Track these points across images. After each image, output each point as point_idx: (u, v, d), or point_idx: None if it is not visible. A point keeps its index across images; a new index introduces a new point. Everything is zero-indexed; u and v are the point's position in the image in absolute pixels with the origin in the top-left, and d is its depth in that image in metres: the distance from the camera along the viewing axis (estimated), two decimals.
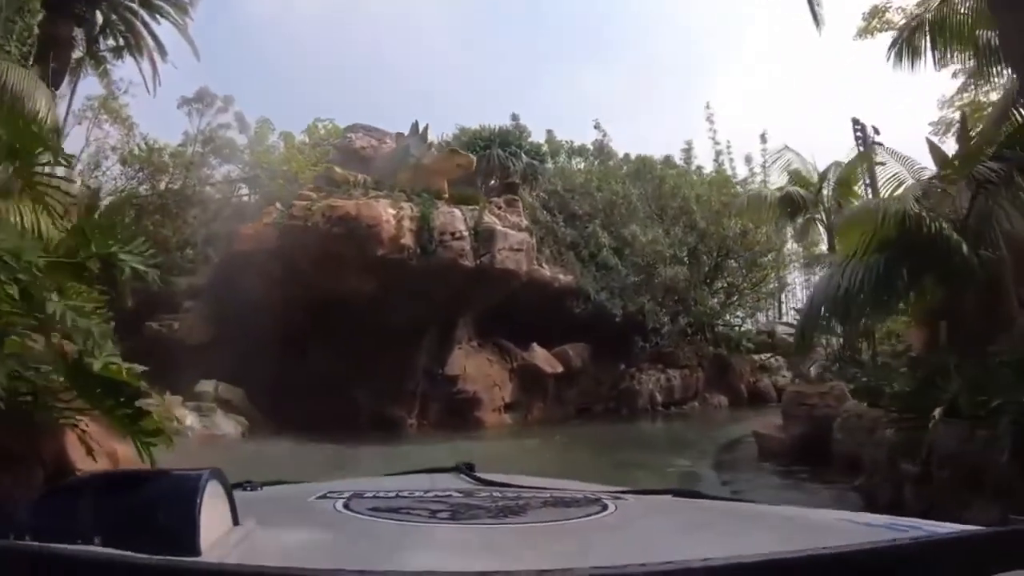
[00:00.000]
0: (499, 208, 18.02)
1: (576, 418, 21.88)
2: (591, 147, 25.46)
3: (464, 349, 19.41)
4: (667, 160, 24.94)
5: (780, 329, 26.43)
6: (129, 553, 0.60)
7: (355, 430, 14.67)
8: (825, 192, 17.88)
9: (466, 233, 16.66)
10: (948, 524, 0.99)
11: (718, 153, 27.35)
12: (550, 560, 0.77)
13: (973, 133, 12.85)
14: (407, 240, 15.90)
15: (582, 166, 25.44)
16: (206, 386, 15.98)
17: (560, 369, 21.85)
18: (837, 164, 17.56)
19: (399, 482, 1.42)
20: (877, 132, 20.45)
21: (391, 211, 15.92)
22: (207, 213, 20.26)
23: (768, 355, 26.46)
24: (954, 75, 17.96)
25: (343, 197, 16.84)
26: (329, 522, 0.97)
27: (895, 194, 10.96)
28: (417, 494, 1.16)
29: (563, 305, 22.24)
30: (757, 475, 11.00)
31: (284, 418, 15.35)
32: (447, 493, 1.16)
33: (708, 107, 26.60)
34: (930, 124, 19.93)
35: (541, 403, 21.57)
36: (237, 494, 0.84)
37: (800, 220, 18.79)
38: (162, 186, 20.66)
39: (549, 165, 25.40)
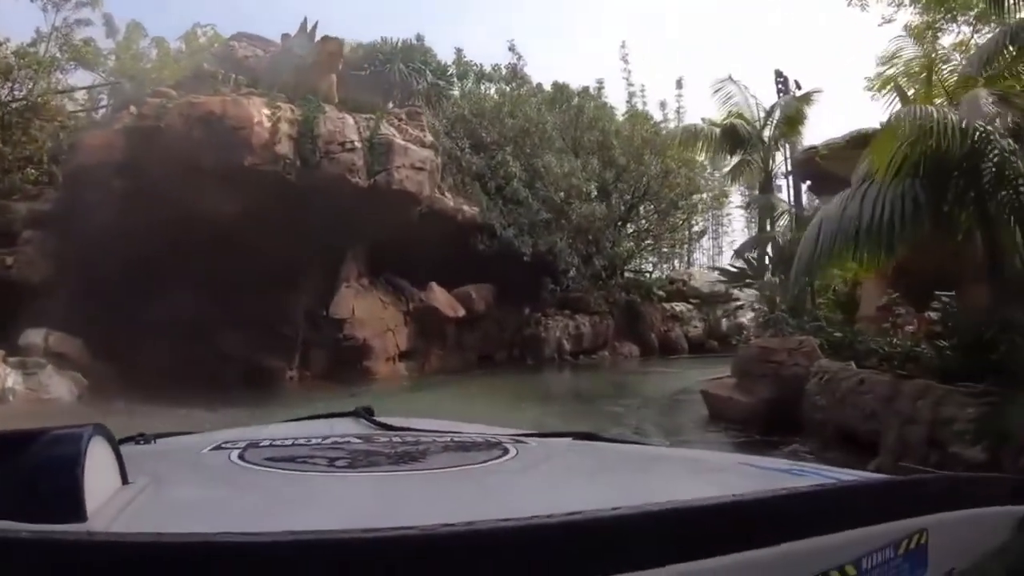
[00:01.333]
0: (399, 120, 14.89)
1: (478, 367, 19.57)
2: (504, 69, 22.44)
3: (353, 288, 16.40)
4: (585, 91, 22.40)
5: (698, 275, 25.05)
6: (3, 523, 0.53)
7: (223, 386, 12.39)
8: (767, 132, 16.18)
9: (358, 144, 13.56)
10: (846, 470, 0.99)
11: (631, 95, 25.26)
12: (452, 509, 0.69)
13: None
14: (284, 148, 12.62)
15: (493, 92, 22.47)
16: (34, 337, 12.46)
17: (462, 313, 19.33)
18: (783, 101, 15.77)
19: (296, 428, 1.35)
20: (799, 87, 19.80)
21: (265, 112, 12.56)
22: (58, 125, 16.07)
23: (680, 303, 25.11)
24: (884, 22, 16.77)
25: (207, 94, 13.21)
26: (223, 475, 0.92)
27: None
28: (315, 441, 1.09)
29: (466, 241, 19.58)
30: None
31: (133, 375, 12.38)
32: (345, 439, 1.10)
33: (624, 46, 24.15)
34: (866, 79, 18.45)
35: (440, 351, 19.05)
36: (126, 449, 0.79)
37: (738, 157, 16.99)
38: (3, 93, 16.08)
39: (456, 92, 22.39)
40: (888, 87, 18.14)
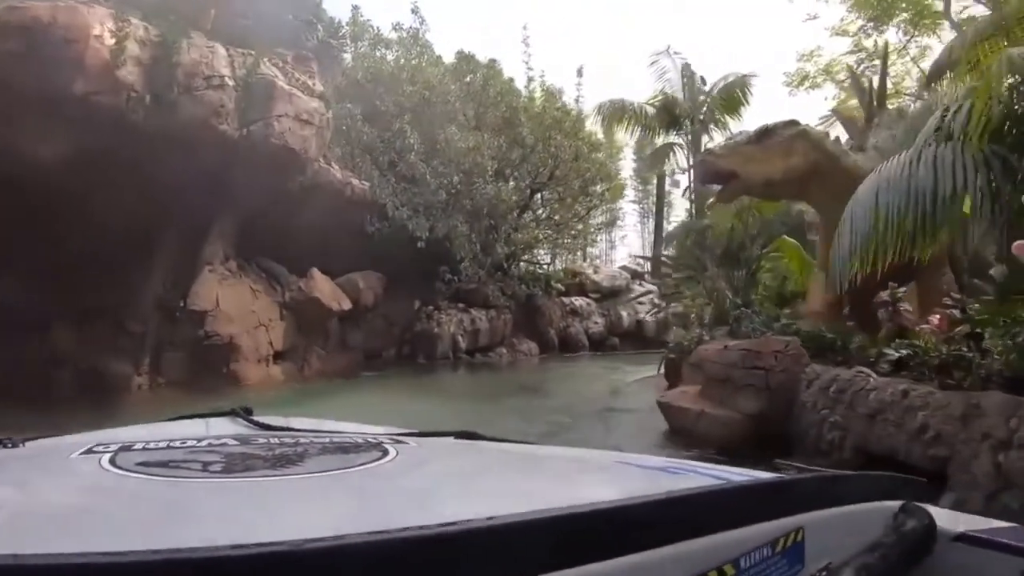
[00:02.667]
0: (284, 62, 11.97)
1: (365, 368, 16.89)
2: (406, 33, 19.65)
3: (218, 273, 13.27)
4: (492, 64, 20.18)
5: (606, 271, 23.60)
6: None
7: (51, 396, 10.19)
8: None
9: (230, 82, 10.71)
10: (723, 467, 1.00)
11: (530, 79, 23.39)
12: (328, 517, 0.69)
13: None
14: (131, 76, 9.57)
15: (391, 58, 19.70)
16: None
17: (348, 305, 16.61)
18: (725, 78, 14.45)
19: (172, 429, 1.30)
20: (704, 82, 19.79)
21: (108, 25, 9.30)
22: None
23: (580, 298, 23.55)
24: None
25: None
26: (92, 483, 0.87)
27: None
28: (190, 443, 1.04)
29: (353, 221, 16.90)
30: None
31: None
32: (222, 441, 1.06)
33: (525, 28, 22.08)
34: (784, 74, 17.81)
35: (322, 350, 16.23)
36: None
37: (661, 139, 15.55)
38: None
39: (348, 55, 19.49)
40: (806, 83, 17.89)
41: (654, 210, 27.16)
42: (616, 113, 15.49)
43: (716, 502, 0.69)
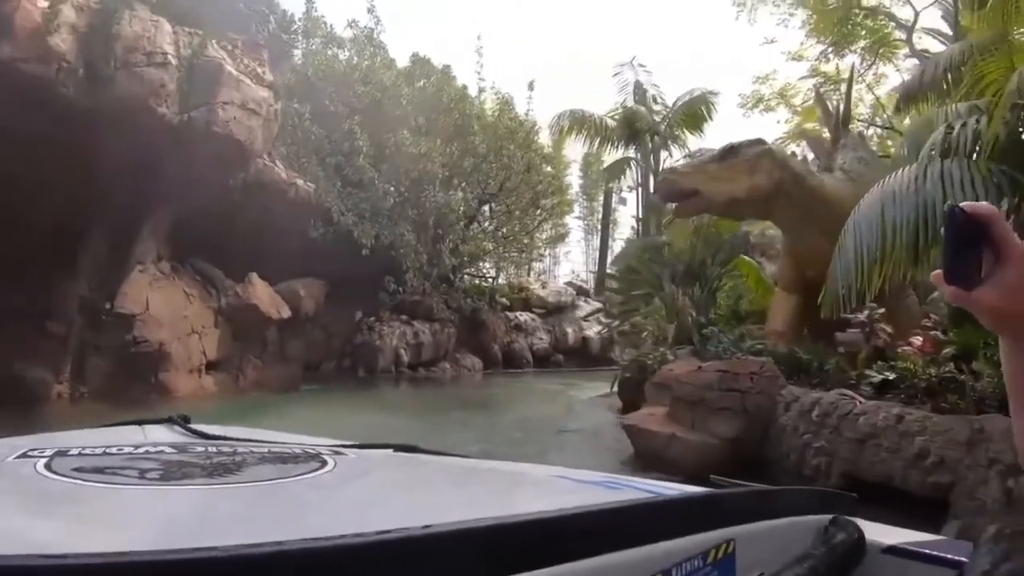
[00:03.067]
0: (234, 46, 11.12)
1: (304, 381, 15.92)
2: (360, 31, 18.85)
3: (149, 273, 12.21)
4: (447, 69, 19.65)
5: (552, 286, 23.23)
6: None
7: None
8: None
9: (173, 61, 9.74)
10: (659, 483, 1.03)
11: (481, 90, 23.01)
12: (267, 526, 0.68)
13: None
14: (64, 45, 8.69)
15: (343, 58, 18.89)
16: None
17: (287, 314, 15.66)
18: (690, 93, 14.34)
19: (108, 435, 1.24)
20: (655, 100, 19.74)
21: None
22: None
23: (524, 313, 23.11)
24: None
25: None
26: (27, 488, 0.84)
27: None
28: (127, 450, 1.02)
29: (296, 225, 16.03)
30: None
31: None
32: (159, 449, 1.04)
33: (479, 39, 21.60)
34: (740, 95, 17.91)
35: (258, 361, 15.16)
36: None
37: (619, 153, 15.35)
38: None
39: (299, 52, 18.61)
40: (760, 105, 18.14)
41: (599, 227, 27.18)
42: (576, 124, 15.17)
43: (649, 514, 0.71)
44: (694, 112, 14.47)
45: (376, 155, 17.07)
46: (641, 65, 14.80)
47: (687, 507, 0.77)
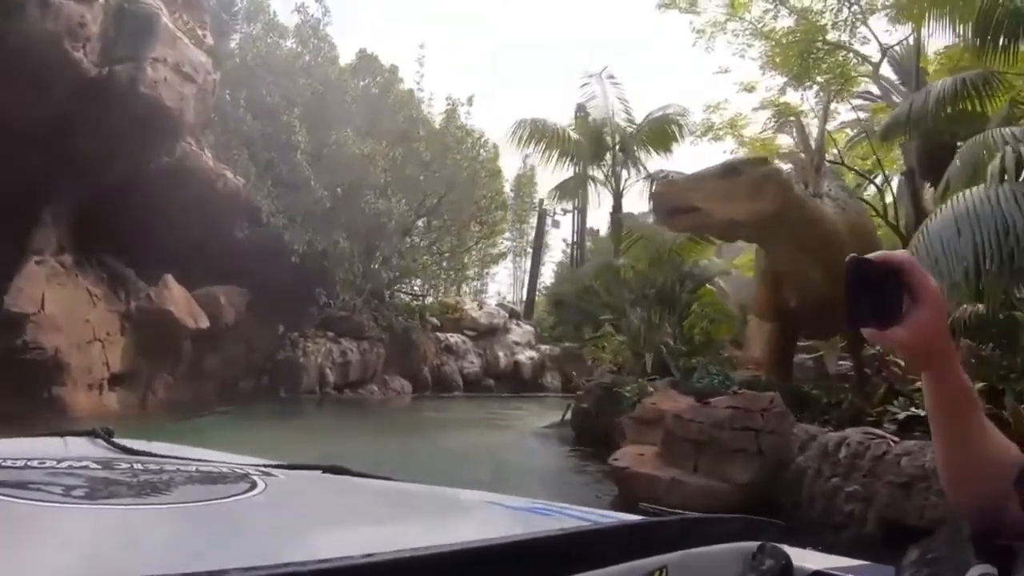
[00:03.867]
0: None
1: (220, 401, 14.09)
2: (306, 20, 17.25)
3: (47, 267, 10.31)
4: (394, 69, 18.37)
5: (485, 308, 22.18)
6: None
7: None
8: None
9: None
10: (591, 509, 1.08)
11: (419, 101, 21.88)
12: (198, 551, 0.66)
13: None
14: None
15: (286, 47, 17.30)
16: None
17: (205, 324, 13.91)
18: (663, 109, 13.81)
19: (28, 447, 1.17)
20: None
21: None
22: None
23: (455, 335, 21.92)
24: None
25: None
26: None
27: None
28: (49, 464, 0.97)
29: (221, 223, 14.36)
30: None
31: None
32: (83, 464, 0.99)
33: (422, 47, 20.46)
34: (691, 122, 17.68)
35: (170, 376, 13.26)
36: None
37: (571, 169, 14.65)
38: None
39: (238, 36, 16.95)
40: (710, 133, 18.00)
41: (531, 248, 26.48)
42: (536, 133, 14.34)
43: (584, 542, 0.72)
44: (663, 131, 13.97)
45: (314, 153, 15.61)
46: (610, 77, 14.18)
47: (622, 535, 0.79)
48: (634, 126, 14.05)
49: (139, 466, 1.02)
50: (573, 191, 16.01)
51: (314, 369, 17.22)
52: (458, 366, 21.70)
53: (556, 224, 26.02)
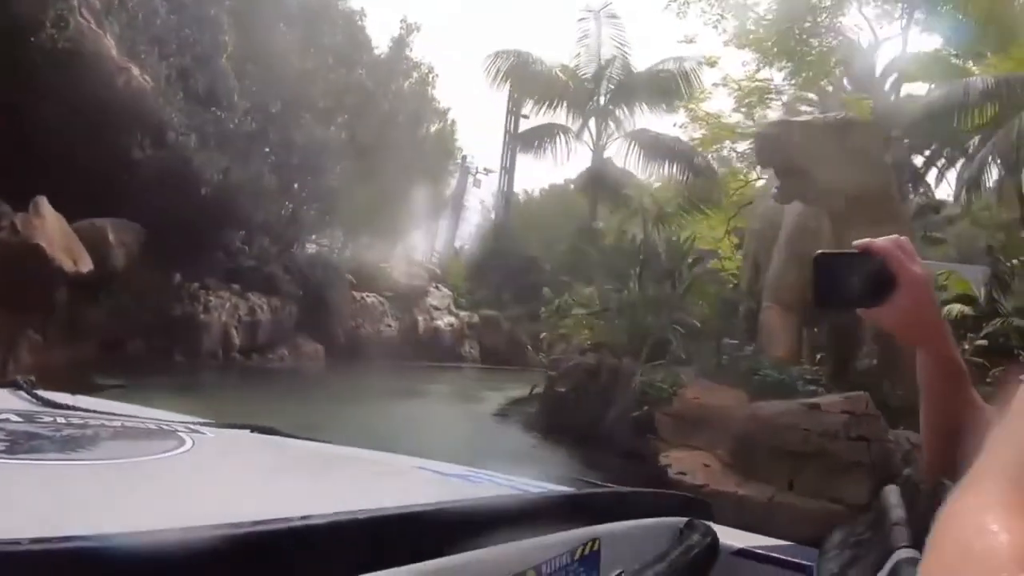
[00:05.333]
0: None
1: (99, 368, 10.78)
2: None
3: None
4: None
5: (406, 266, 19.68)
6: None
7: None
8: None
9: None
10: (520, 479, 1.02)
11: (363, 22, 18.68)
12: (127, 509, 0.64)
13: None
14: None
15: None
16: None
17: (87, 267, 10.59)
18: (668, 62, 12.07)
19: None
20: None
21: None
22: None
23: (371, 295, 19.25)
24: None
25: None
26: None
27: None
28: None
29: (116, 138, 10.96)
30: None
31: None
32: (4, 416, 0.94)
33: None
34: None
35: (38, 335, 9.92)
36: None
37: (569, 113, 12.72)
38: None
39: None
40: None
41: (451, 205, 24.05)
42: (518, 68, 12.14)
43: (520, 510, 0.73)
44: (666, 85, 12.25)
45: (243, 61, 12.39)
46: (612, 16, 12.17)
47: (555, 505, 0.81)
48: (631, 75, 12.20)
49: (62, 420, 0.96)
50: (539, 140, 13.91)
51: (217, 329, 14.14)
52: (375, 329, 19.12)
53: (477, 184, 23.88)
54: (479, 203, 24.82)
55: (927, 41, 12.82)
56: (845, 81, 13.84)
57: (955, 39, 12.44)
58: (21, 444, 0.82)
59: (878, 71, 13.14)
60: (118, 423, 1.01)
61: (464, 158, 23.01)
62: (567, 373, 10.84)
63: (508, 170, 23.24)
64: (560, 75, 12.59)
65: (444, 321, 21.36)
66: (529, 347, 23.30)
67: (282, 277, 15.64)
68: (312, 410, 10.45)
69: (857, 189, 7.63)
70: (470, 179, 23.73)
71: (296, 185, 14.01)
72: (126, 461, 0.80)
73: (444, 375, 18.98)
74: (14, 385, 1.22)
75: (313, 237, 17.34)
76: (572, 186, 28.23)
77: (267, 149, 12.86)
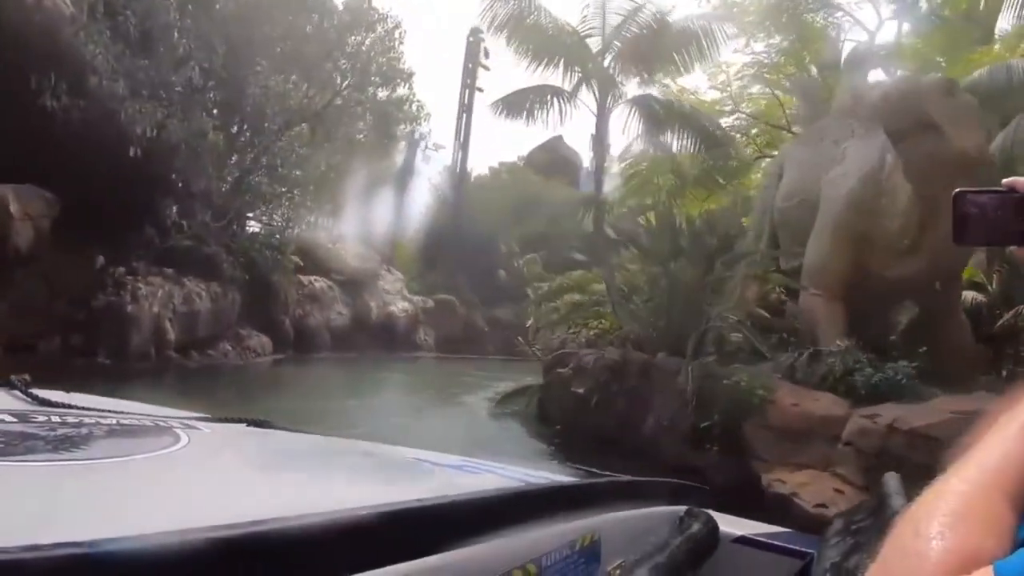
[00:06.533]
0: None
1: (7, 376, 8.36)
2: None
3: None
4: None
5: (355, 247, 17.61)
6: None
7: None
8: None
9: None
10: (516, 468, 1.01)
11: None
12: (122, 510, 0.63)
13: None
14: None
15: None
16: None
17: None
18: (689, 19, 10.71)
19: None
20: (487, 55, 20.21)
21: None
22: None
23: (320, 279, 17.05)
24: None
25: None
26: None
27: None
28: None
29: (26, 76, 8.49)
30: None
31: None
32: None
33: None
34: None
35: None
36: None
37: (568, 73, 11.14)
38: None
39: None
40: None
41: (398, 179, 21.82)
42: (522, 16, 10.41)
43: (521, 503, 0.73)
44: (681, 45, 10.80)
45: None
46: None
47: (555, 496, 0.80)
48: (643, 33, 10.66)
49: (57, 419, 0.96)
50: (530, 102, 12.19)
51: (148, 322, 11.77)
52: (324, 318, 16.94)
53: (427, 159, 21.89)
54: (427, 181, 22.87)
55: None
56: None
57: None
58: (15, 445, 0.79)
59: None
60: (113, 421, 0.98)
61: (415, 130, 20.93)
62: (584, 370, 9.29)
63: (463, 145, 21.51)
64: (565, 26, 10.89)
65: (398, 307, 19.36)
66: (487, 330, 21.85)
67: (225, 259, 13.28)
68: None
69: (976, 152, 6.52)
70: (419, 154, 21.73)
71: (244, 147, 11.67)
72: (121, 460, 0.78)
73: (411, 367, 17.13)
74: (8, 384, 1.18)
75: (256, 213, 14.92)
76: (522, 163, 26.93)
77: (211, 101, 10.51)
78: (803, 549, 0.89)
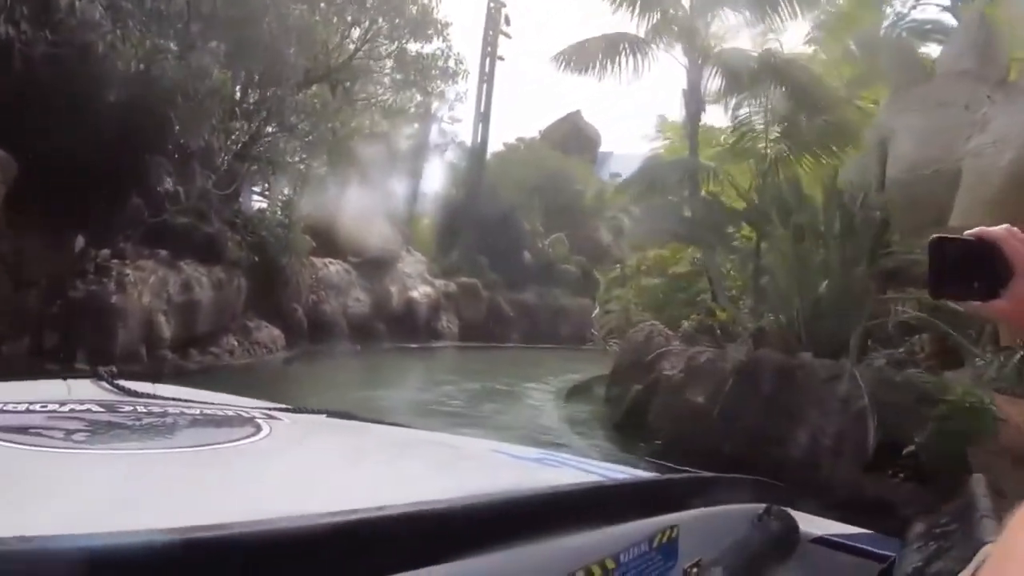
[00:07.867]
0: None
1: None
2: None
3: None
4: None
5: (375, 227, 15.42)
6: None
7: None
8: None
9: None
10: (598, 462, 1.05)
11: None
12: (203, 498, 0.63)
13: None
14: None
15: None
16: None
17: None
18: None
19: (29, 390, 1.11)
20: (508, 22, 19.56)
21: None
22: None
23: (334, 262, 14.82)
24: None
25: None
26: None
27: None
28: (51, 407, 0.94)
29: None
30: None
31: None
32: (85, 407, 0.95)
33: None
34: None
35: None
36: None
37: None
38: None
39: None
40: None
41: (415, 154, 19.49)
42: None
43: (600, 498, 0.71)
44: None
45: None
46: None
47: (634, 492, 0.79)
48: None
49: (142, 409, 0.97)
50: (599, 52, 10.03)
51: (138, 316, 9.61)
52: (340, 304, 14.73)
53: (443, 133, 19.76)
54: (445, 154, 20.77)
55: None
56: None
57: None
58: (101, 434, 0.81)
59: None
60: (196, 411, 0.99)
61: (453, 90, 18.62)
62: (699, 372, 7.47)
63: (483, 117, 19.42)
64: None
65: (419, 291, 17.20)
66: (512, 315, 19.69)
67: (230, 238, 11.00)
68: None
69: None
70: (435, 129, 19.55)
71: (253, 96, 9.40)
72: (203, 448, 0.79)
73: (445, 361, 15.08)
74: (96, 376, 1.19)
75: (264, 185, 12.64)
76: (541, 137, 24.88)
77: (223, 28, 8.22)
78: (884, 552, 0.85)
